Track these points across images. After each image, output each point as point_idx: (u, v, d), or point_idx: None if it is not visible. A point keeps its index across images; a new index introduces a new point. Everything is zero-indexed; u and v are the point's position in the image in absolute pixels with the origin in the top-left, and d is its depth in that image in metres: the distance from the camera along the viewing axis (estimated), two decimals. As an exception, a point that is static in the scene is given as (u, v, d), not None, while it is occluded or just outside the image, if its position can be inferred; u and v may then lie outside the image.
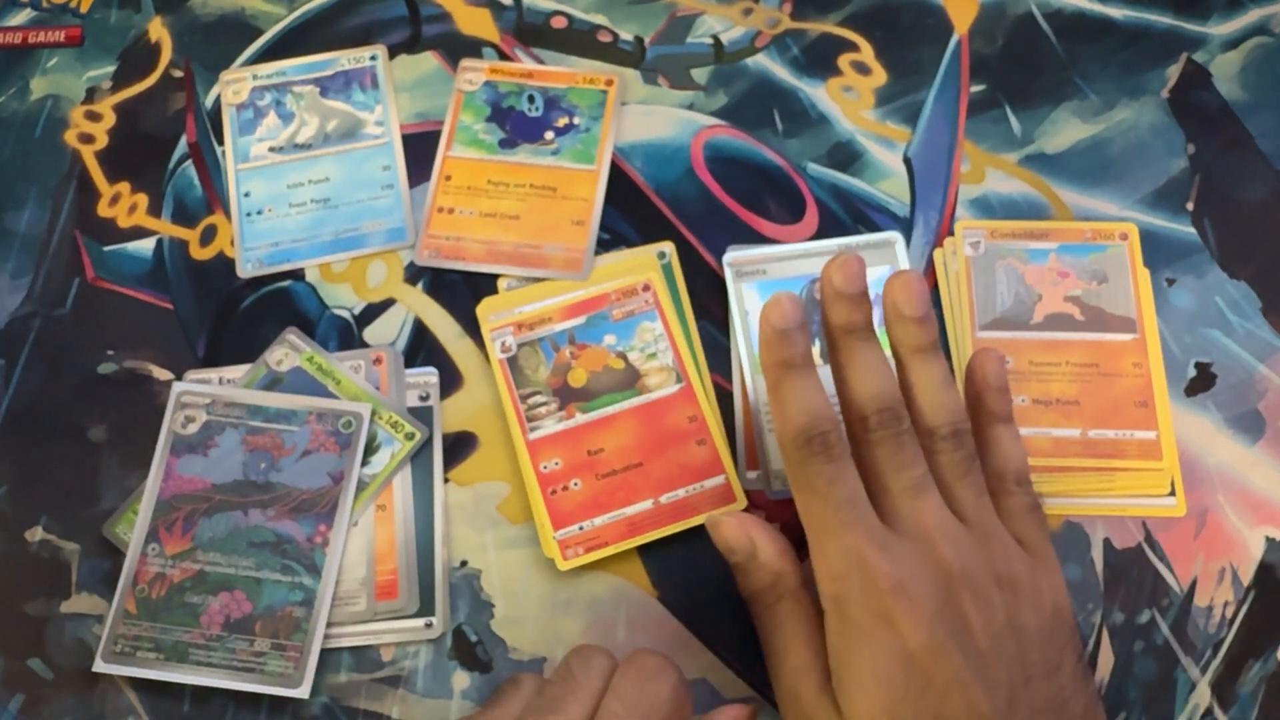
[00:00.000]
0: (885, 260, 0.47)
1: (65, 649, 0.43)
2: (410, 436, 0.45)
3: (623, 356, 0.46)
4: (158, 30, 0.55)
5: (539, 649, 0.42)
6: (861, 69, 0.53)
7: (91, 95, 0.53)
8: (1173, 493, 0.44)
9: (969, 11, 0.53)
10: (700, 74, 0.53)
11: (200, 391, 0.45)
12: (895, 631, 0.33)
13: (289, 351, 0.46)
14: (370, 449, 0.44)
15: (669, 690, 0.34)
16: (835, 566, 0.34)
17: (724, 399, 0.46)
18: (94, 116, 0.53)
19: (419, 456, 0.45)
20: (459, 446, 0.45)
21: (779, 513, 0.44)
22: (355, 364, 0.46)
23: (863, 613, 0.34)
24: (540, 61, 0.53)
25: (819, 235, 0.49)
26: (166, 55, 0.54)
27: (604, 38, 0.54)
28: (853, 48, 0.53)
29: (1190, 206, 0.49)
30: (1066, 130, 0.51)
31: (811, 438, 0.36)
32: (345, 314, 0.48)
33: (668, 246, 0.48)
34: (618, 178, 0.50)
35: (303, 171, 0.51)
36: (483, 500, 0.44)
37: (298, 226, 0.50)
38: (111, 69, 0.54)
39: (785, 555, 0.38)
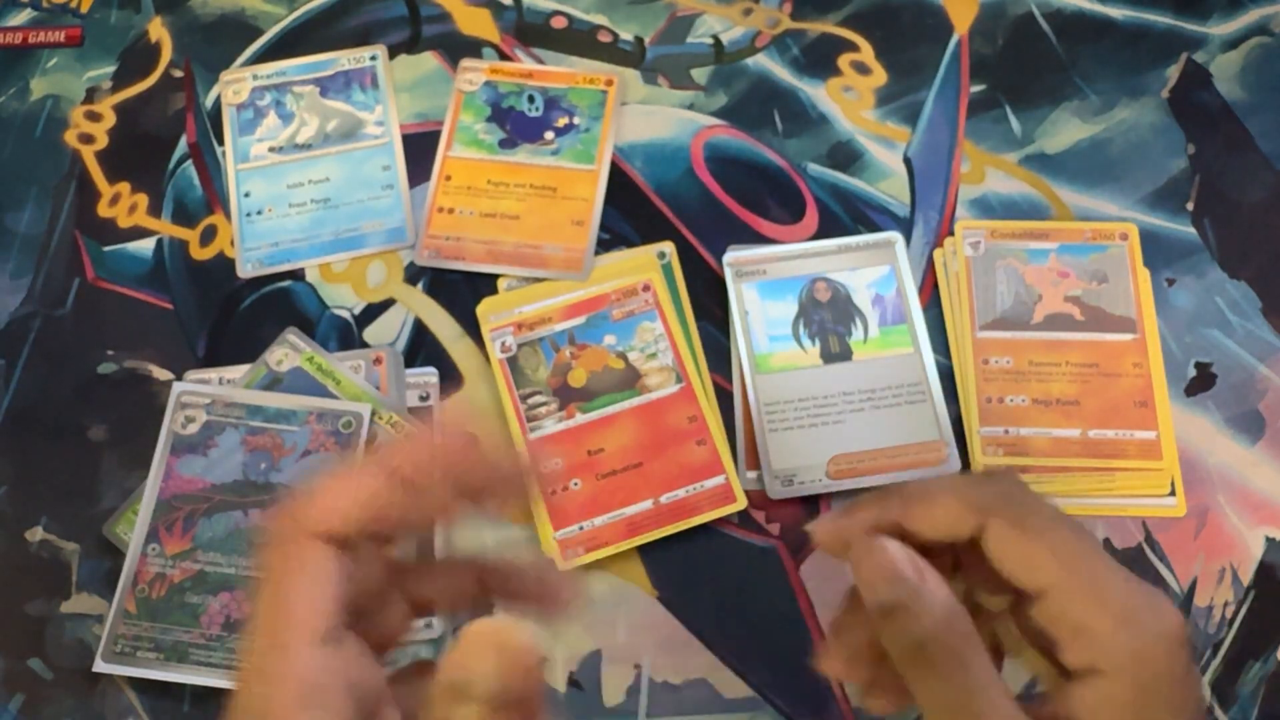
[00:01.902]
0: (885, 260, 0.47)
1: (65, 649, 0.43)
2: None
3: (623, 356, 0.46)
4: (158, 30, 0.55)
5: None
6: (861, 69, 0.52)
7: (91, 95, 0.53)
8: (1173, 493, 0.44)
9: (969, 11, 0.53)
10: (700, 74, 0.53)
11: (200, 391, 0.45)
12: None
13: (289, 351, 0.46)
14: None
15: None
16: None
17: (724, 399, 0.46)
18: (94, 116, 0.53)
19: (419, 456, 0.45)
20: (459, 446, 0.45)
21: (779, 513, 0.44)
22: (355, 364, 0.46)
23: None
24: (540, 61, 0.53)
25: (819, 235, 0.48)
26: (166, 55, 0.54)
27: (604, 38, 0.54)
28: (853, 48, 0.53)
29: (1190, 206, 0.49)
30: (1066, 130, 0.51)
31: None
32: (345, 314, 0.48)
33: (668, 246, 0.48)
34: (618, 178, 0.50)
35: (303, 171, 0.51)
36: (483, 500, 0.44)
37: (298, 226, 0.50)
38: (111, 69, 0.54)
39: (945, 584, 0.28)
